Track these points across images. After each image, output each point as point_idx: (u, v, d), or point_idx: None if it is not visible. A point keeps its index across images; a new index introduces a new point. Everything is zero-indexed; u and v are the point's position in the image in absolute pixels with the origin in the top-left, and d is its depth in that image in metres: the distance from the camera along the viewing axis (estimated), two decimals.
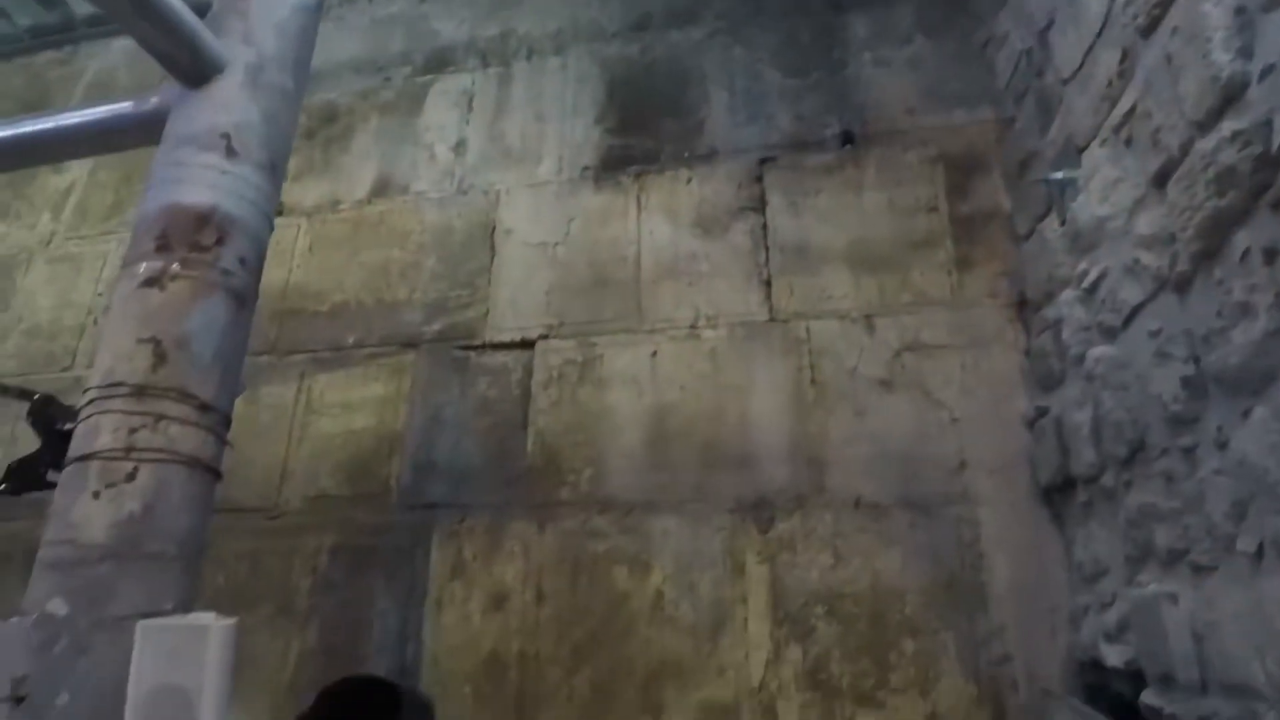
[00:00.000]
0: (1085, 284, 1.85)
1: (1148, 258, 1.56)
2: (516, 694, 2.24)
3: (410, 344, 2.76)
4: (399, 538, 2.50)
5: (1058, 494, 2.05)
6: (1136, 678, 1.63)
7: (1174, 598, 1.48)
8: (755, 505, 2.29)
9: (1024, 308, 2.30)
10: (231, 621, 1.17)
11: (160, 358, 1.24)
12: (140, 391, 1.21)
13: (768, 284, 2.55)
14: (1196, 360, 1.42)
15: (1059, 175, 1.98)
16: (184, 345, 1.27)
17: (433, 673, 2.30)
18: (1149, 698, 1.53)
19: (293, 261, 2.98)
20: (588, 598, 2.29)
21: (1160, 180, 1.50)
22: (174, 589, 1.18)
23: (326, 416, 2.72)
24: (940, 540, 2.14)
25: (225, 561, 2.55)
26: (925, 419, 2.27)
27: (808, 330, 2.46)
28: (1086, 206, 1.84)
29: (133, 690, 1.08)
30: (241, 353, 1.40)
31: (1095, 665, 1.82)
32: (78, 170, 3.49)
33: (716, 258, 2.63)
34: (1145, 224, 1.57)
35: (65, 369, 3.02)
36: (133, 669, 1.08)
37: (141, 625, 1.07)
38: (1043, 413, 2.10)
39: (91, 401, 1.23)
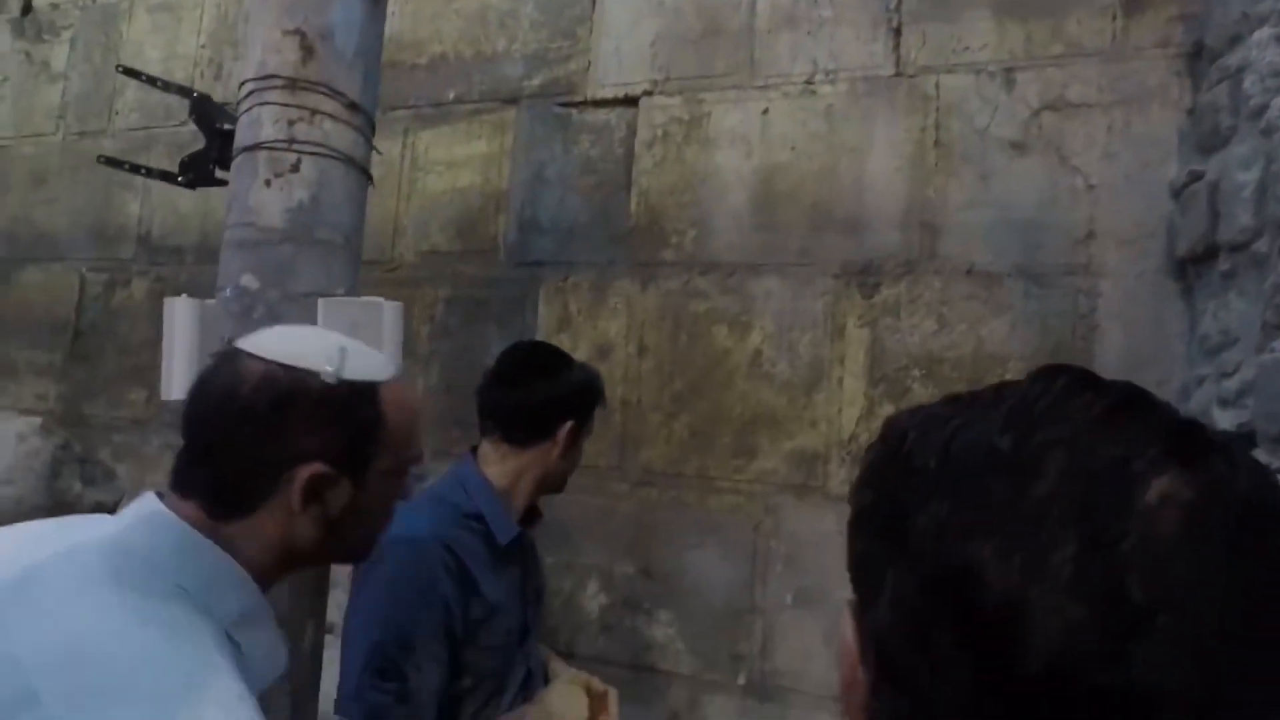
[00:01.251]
0: None
1: None
2: (620, 434, 2.44)
3: (511, 100, 2.69)
4: (507, 291, 2.62)
5: (1194, 265, 1.94)
6: (1247, 440, 1.63)
7: None
8: (861, 270, 2.27)
9: (1198, 58, 2.02)
10: (400, 303, 1.30)
11: (308, 51, 1.26)
12: (293, 85, 1.25)
13: (897, 32, 2.30)
14: None
15: None
16: (327, 38, 1.28)
17: None
18: (1259, 456, 1.54)
19: (387, 9, 2.85)
20: (688, 352, 2.40)
21: None
22: (344, 276, 1.30)
23: (433, 174, 2.76)
24: (1053, 310, 2.09)
25: None
26: (1057, 185, 2.12)
27: (937, 86, 2.25)
28: None
29: None
30: (378, 54, 1.40)
31: None
32: None
33: (841, 1, 2.37)
34: None
35: (182, 123, 3.11)
36: None
37: (322, 301, 1.20)
38: (1196, 177, 1.92)
39: (250, 94, 1.27)
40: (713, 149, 2.45)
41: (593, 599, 2.40)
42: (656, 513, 2.36)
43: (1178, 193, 2.00)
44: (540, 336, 2.56)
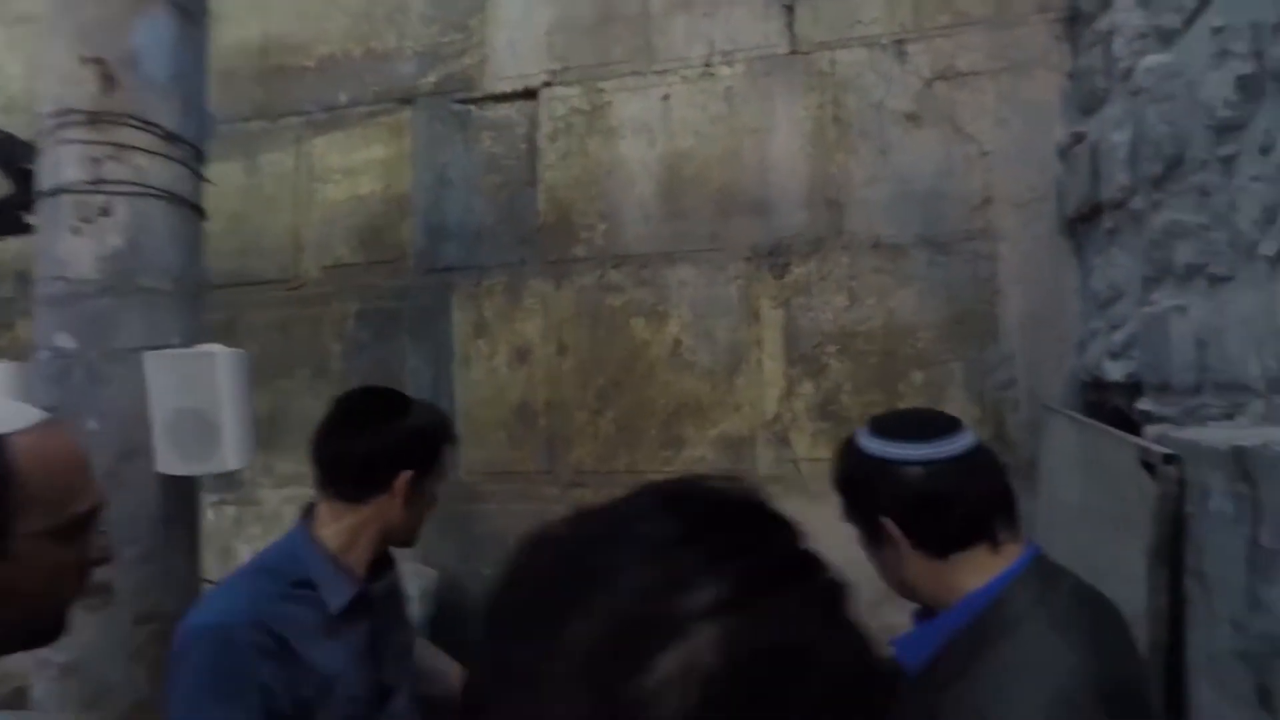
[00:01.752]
0: None
1: None
2: (548, 437, 2.42)
3: (406, 99, 2.60)
4: (420, 300, 2.55)
5: (1082, 224, 2.01)
6: (1134, 390, 1.70)
7: (1183, 310, 1.49)
8: (771, 251, 2.27)
9: (1075, 22, 2.07)
10: (239, 350, 1.21)
11: (109, 80, 1.14)
12: (95, 119, 1.14)
13: (790, 9, 2.30)
14: (1259, 55, 1.29)
15: None
16: (131, 64, 1.17)
17: (467, 423, 2.48)
18: (1144, 404, 1.61)
19: (267, 10, 2.72)
20: (607, 348, 2.38)
21: None
22: (176, 324, 1.20)
23: (330, 183, 2.66)
24: (957, 277, 2.14)
25: (256, 331, 2.65)
26: (952, 154, 2.16)
27: (832, 62, 2.26)
28: None
29: (155, 415, 1.14)
30: (201, 78, 1.29)
31: (1096, 383, 1.90)
32: None
33: None
34: None
35: None
36: (150, 396, 1.14)
37: (148, 356, 1.11)
38: (1079, 139, 1.98)
39: (49, 132, 1.16)
40: (616, 139, 2.41)
41: None
42: None
43: (1063, 154, 2.06)
44: (456, 343, 2.51)
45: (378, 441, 1.11)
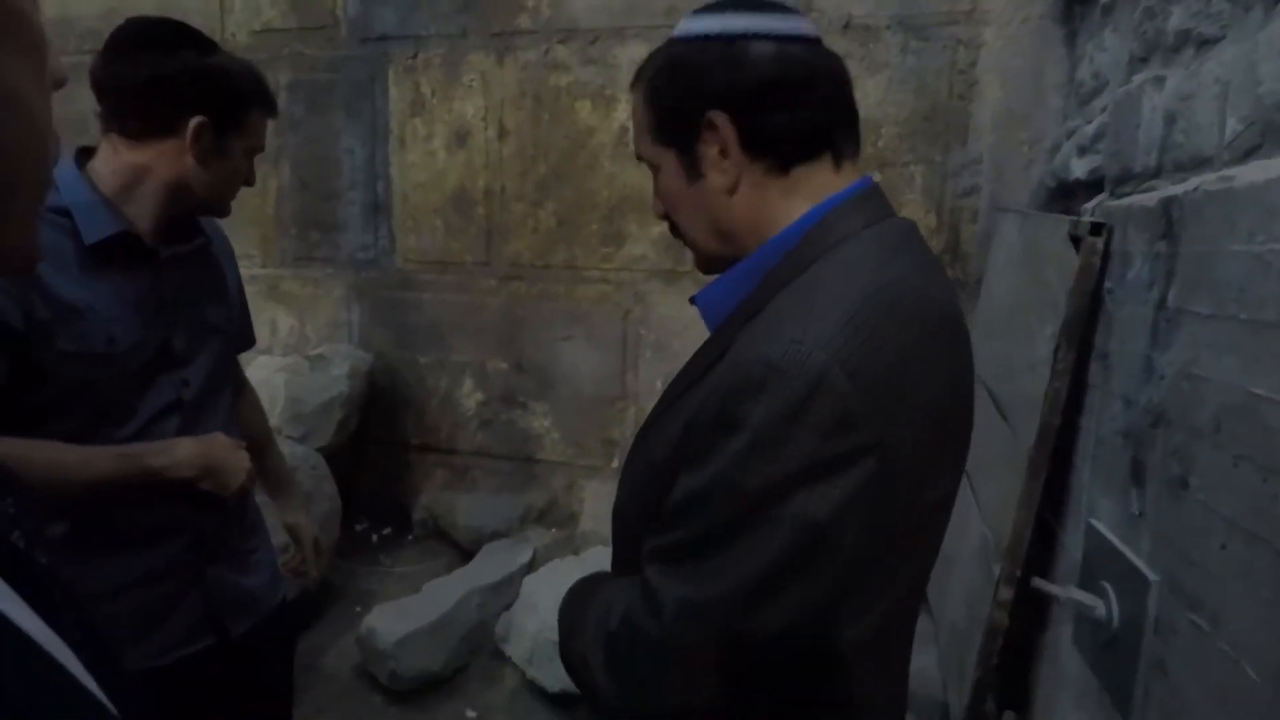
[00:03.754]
0: None
1: None
2: (485, 226, 2.30)
3: None
4: (354, 72, 2.35)
5: (1080, 4, 1.76)
6: (1096, 187, 1.55)
7: (1160, 81, 1.32)
8: None
9: None
10: None
11: None
12: None
13: None
14: None
15: None
16: None
17: (404, 207, 2.36)
18: (1098, 200, 1.47)
19: None
20: (550, 133, 2.21)
21: None
22: None
23: None
24: (932, 65, 1.92)
25: None
26: None
27: None
28: None
29: None
30: None
31: (1060, 188, 1.74)
32: None
33: None
34: None
35: None
36: None
37: None
38: None
39: None
40: None
41: (469, 396, 2.38)
42: (526, 306, 2.28)
43: None
44: (394, 122, 2.34)
45: (155, 69, 0.97)
